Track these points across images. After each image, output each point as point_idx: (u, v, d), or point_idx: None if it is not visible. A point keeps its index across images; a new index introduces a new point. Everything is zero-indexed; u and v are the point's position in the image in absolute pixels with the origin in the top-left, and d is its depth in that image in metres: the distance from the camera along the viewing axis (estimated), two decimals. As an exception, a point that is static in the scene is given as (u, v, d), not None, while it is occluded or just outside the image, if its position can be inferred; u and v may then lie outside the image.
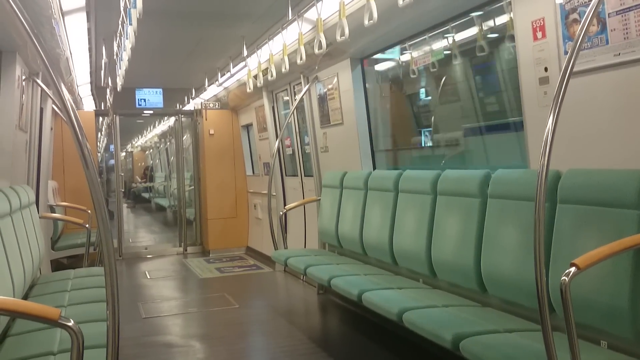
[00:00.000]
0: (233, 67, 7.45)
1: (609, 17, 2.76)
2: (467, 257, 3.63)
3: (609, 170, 2.77)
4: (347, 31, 4.19)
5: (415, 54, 5.13)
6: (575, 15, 2.96)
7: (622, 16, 2.69)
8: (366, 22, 3.88)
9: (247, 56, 6.59)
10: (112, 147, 10.58)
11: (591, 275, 2.53)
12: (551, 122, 2.29)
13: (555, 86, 2.35)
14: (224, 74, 7.96)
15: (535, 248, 2.27)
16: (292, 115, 6.91)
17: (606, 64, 2.81)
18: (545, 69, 3.19)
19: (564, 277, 2.26)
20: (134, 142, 21.79)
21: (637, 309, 2.48)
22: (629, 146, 2.75)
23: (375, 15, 3.81)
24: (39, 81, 5.23)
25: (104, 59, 6.86)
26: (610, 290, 2.59)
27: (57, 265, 6.98)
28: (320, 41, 4.55)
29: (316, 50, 4.65)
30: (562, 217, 2.92)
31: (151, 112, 10.06)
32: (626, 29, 2.68)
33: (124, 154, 20.69)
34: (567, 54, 2.82)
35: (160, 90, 9.82)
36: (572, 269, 2.29)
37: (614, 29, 2.74)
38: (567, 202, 2.91)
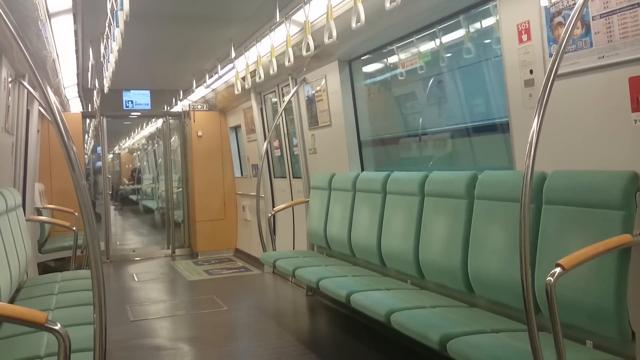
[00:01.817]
0: (221, 69, 7.45)
1: (593, 20, 2.79)
2: (454, 258, 3.66)
3: (594, 172, 2.80)
4: (334, 33, 4.21)
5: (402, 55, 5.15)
6: (560, 18, 2.99)
7: (605, 19, 2.73)
8: (354, 24, 3.89)
9: (235, 58, 6.59)
10: (99, 149, 10.52)
11: (576, 275, 2.56)
12: (536, 123, 2.31)
13: (540, 88, 2.38)
14: (212, 76, 7.95)
15: (520, 249, 2.29)
16: (281, 117, 6.91)
17: (590, 66, 2.84)
18: (531, 72, 3.22)
19: (549, 278, 2.28)
20: (121, 144, 21.68)
21: (622, 309, 2.51)
22: (613, 148, 2.78)
23: (362, 17, 3.82)
24: (25, 83, 5.19)
25: (91, 61, 6.83)
26: (595, 290, 2.61)
27: (44, 268, 6.93)
28: (308, 43, 4.56)
29: (304, 53, 4.66)
30: (548, 218, 2.95)
31: (138, 113, 10.02)
32: (610, 32, 2.71)
33: (111, 156, 20.58)
34: (552, 56, 2.85)
35: (148, 92, 9.78)
36: (558, 270, 2.31)
37: (598, 32, 2.78)
38: (553, 203, 2.94)
